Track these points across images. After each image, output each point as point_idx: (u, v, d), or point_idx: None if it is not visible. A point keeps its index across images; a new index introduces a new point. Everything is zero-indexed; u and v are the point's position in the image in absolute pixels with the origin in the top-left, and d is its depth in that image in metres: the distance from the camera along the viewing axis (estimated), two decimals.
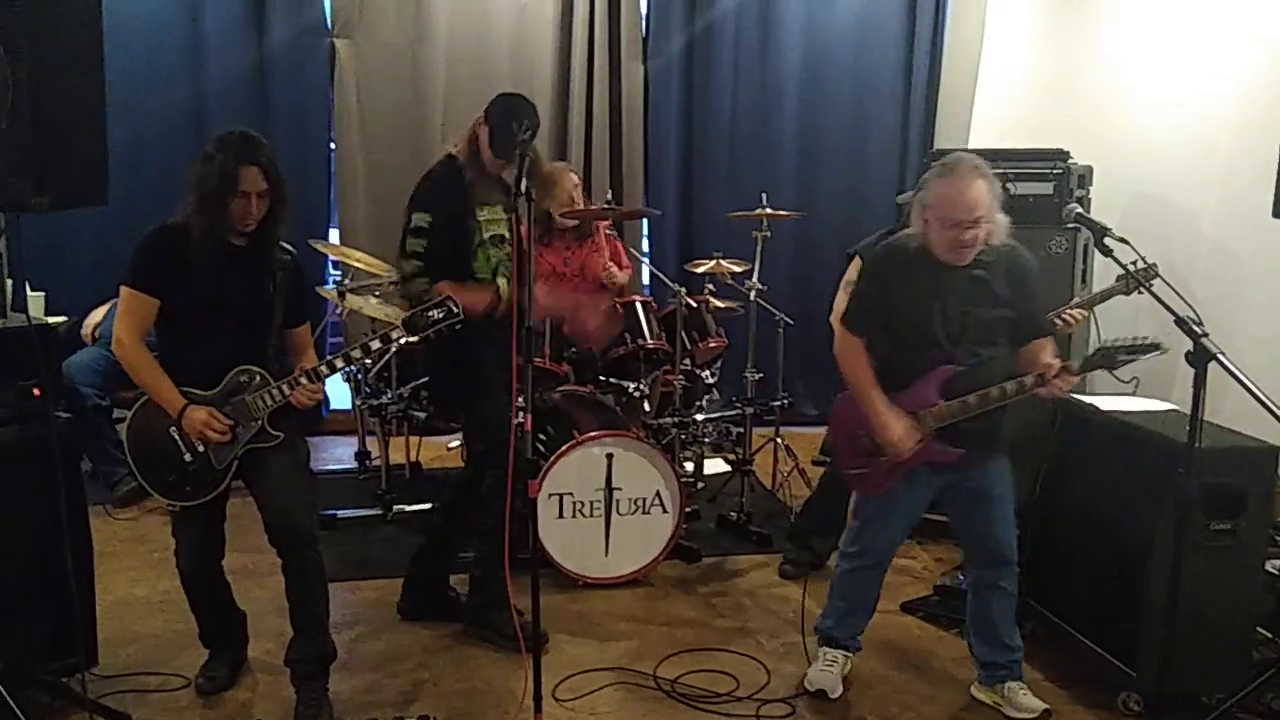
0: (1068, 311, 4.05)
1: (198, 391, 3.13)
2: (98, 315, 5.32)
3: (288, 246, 3.27)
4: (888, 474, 3.33)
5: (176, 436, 3.13)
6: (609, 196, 5.52)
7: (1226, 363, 2.70)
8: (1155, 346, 3.03)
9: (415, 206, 3.64)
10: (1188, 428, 2.79)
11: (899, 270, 3.25)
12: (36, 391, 3.15)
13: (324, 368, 3.18)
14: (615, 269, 5.18)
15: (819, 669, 3.54)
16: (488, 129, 3.64)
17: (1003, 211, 3.16)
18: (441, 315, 3.21)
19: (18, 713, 2.81)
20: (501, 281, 3.70)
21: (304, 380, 3.13)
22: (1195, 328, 2.76)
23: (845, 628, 3.57)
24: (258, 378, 3.15)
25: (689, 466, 5.48)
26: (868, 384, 3.27)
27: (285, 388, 3.13)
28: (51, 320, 3.38)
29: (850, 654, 3.60)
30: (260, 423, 3.15)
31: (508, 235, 3.74)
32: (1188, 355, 2.76)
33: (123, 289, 3.12)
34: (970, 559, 3.54)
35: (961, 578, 4.23)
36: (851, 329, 3.33)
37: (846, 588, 3.57)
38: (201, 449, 3.14)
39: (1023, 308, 3.21)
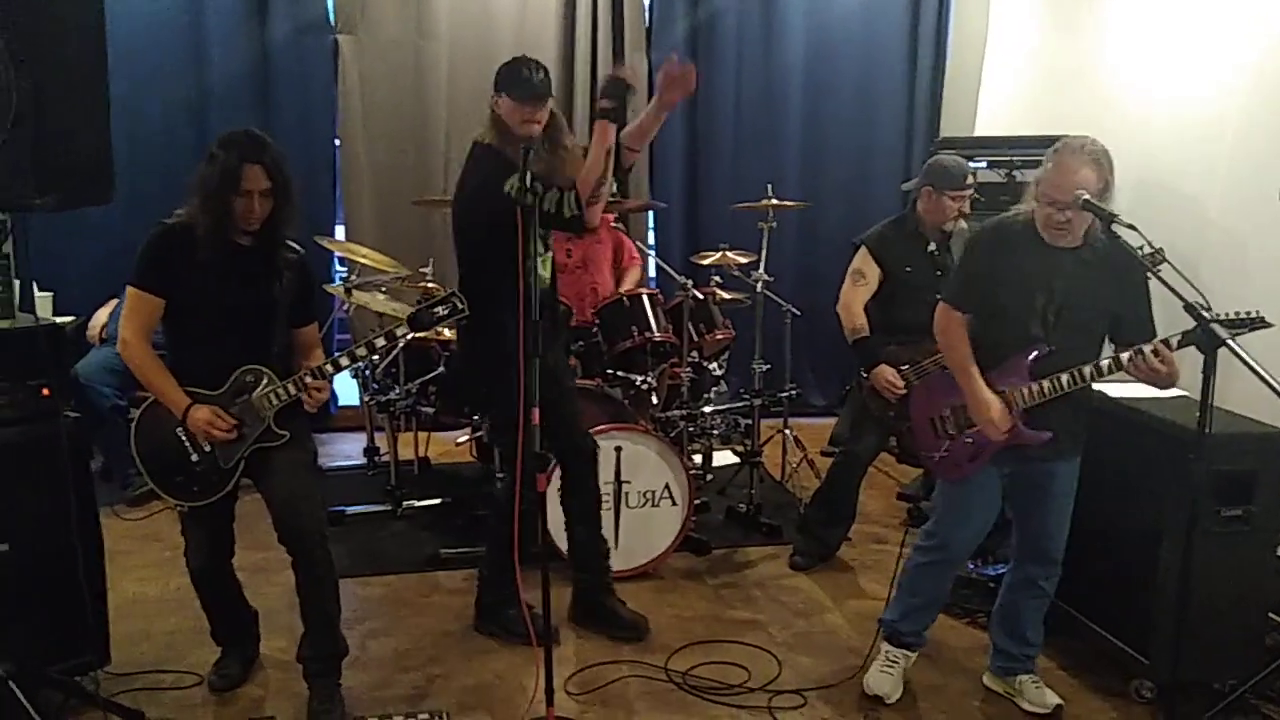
0: None
1: (204, 391, 3.13)
2: (102, 316, 5.32)
3: (294, 245, 3.27)
4: (971, 456, 3.28)
5: (183, 437, 3.14)
6: (614, 189, 5.50)
7: (1236, 348, 2.68)
8: (1261, 320, 2.91)
9: (472, 203, 3.55)
10: (1197, 414, 2.77)
11: (1004, 248, 3.19)
12: (45, 391, 3.16)
13: (329, 366, 3.17)
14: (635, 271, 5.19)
15: (879, 669, 3.49)
16: (503, 95, 3.53)
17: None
18: (446, 312, 3.20)
19: (31, 711, 2.82)
20: (540, 264, 3.61)
21: (309, 379, 3.13)
22: (1204, 313, 2.75)
23: (911, 623, 3.51)
24: (264, 377, 3.15)
25: (697, 459, 5.48)
26: (969, 361, 3.21)
27: (291, 387, 3.13)
28: (59, 320, 3.38)
29: (912, 654, 3.54)
30: (266, 422, 3.16)
31: (551, 210, 3.57)
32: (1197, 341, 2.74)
33: (128, 289, 3.13)
34: (1018, 552, 3.47)
35: (971, 566, 4.24)
36: (956, 305, 3.27)
37: (918, 582, 3.49)
38: (208, 449, 3.14)
39: (1130, 307, 3.14)
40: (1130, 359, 2.98)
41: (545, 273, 3.69)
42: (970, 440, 3.27)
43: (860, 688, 3.50)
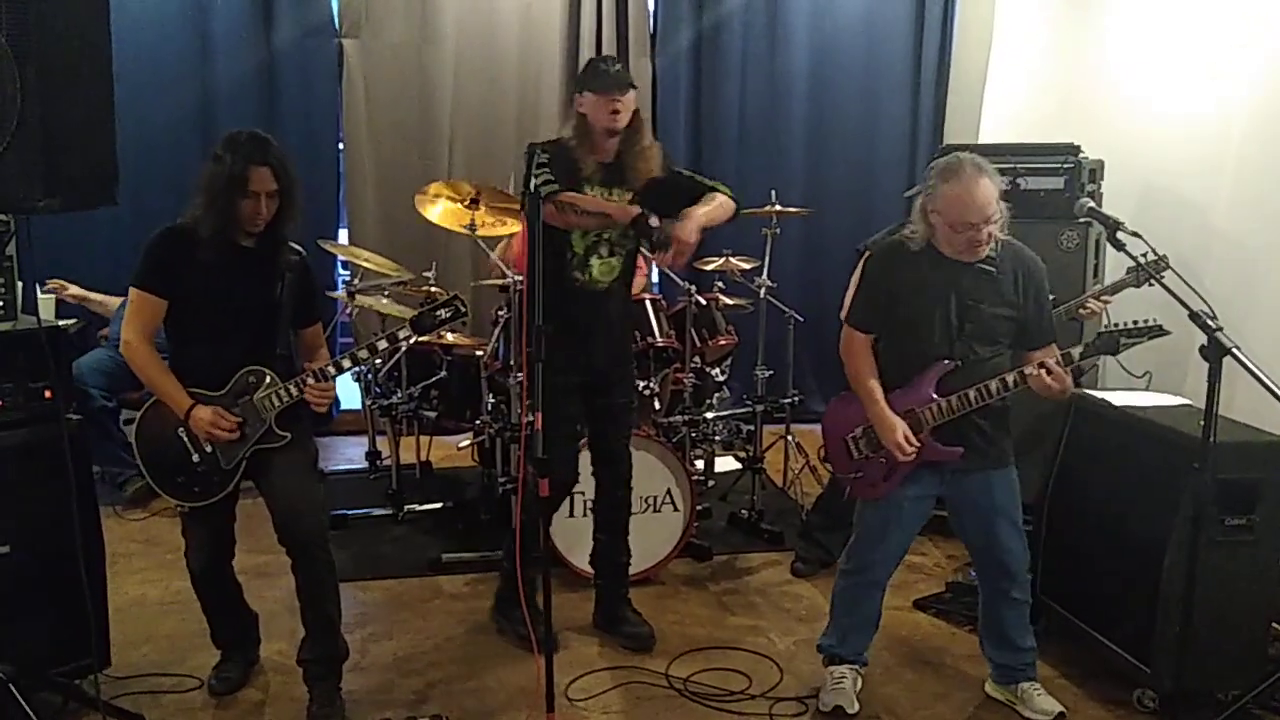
0: (1093, 300, 4.03)
1: (206, 392, 3.12)
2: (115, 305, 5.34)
3: (296, 247, 3.27)
4: (885, 475, 3.27)
5: (184, 437, 3.14)
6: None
7: (1241, 357, 2.68)
8: (1158, 329, 2.99)
9: (532, 158, 3.44)
10: (1202, 422, 2.77)
11: (901, 266, 3.20)
12: (48, 393, 3.16)
13: (331, 368, 3.17)
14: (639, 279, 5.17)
15: (830, 688, 3.43)
16: (585, 93, 3.50)
17: (1003, 203, 3.09)
18: (449, 315, 3.20)
19: (31, 715, 2.82)
20: (595, 263, 3.61)
21: (310, 380, 3.13)
22: (1210, 322, 2.75)
23: (849, 646, 3.48)
24: (266, 378, 3.15)
25: (700, 464, 5.46)
26: (867, 384, 3.24)
27: (293, 388, 3.13)
28: (62, 322, 3.38)
29: (858, 669, 3.50)
30: (268, 423, 3.15)
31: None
32: (1202, 349, 2.73)
33: (131, 290, 3.13)
34: (978, 571, 3.50)
35: (974, 574, 4.22)
36: (856, 325, 3.31)
37: (846, 604, 3.49)
38: (209, 449, 3.14)
39: (1031, 311, 3.17)
40: (1032, 373, 3.03)
41: (602, 276, 3.64)
42: (883, 459, 3.25)
43: (862, 696, 3.48)
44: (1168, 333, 2.99)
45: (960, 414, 3.13)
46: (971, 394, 3.10)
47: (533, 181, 3.21)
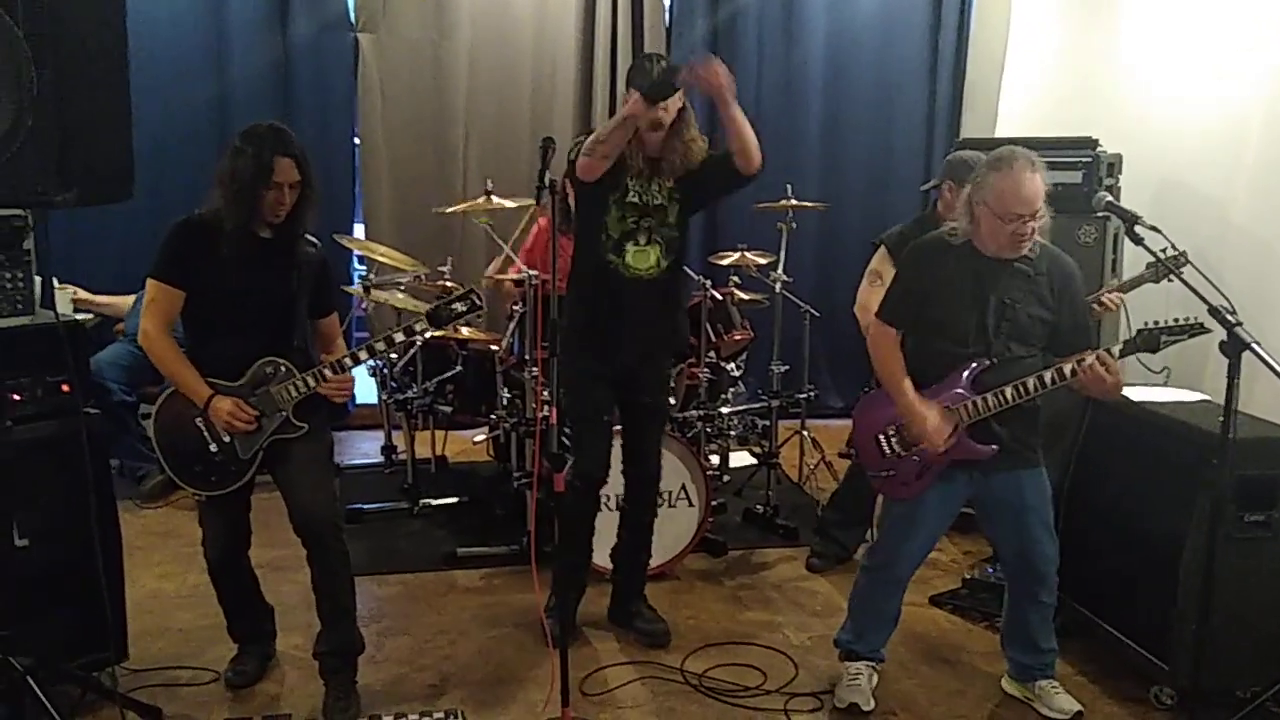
0: (1106, 295, 4.01)
1: (223, 383, 3.14)
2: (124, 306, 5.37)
3: (312, 238, 3.28)
4: (918, 474, 3.24)
5: (202, 427, 3.15)
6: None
7: (1261, 352, 2.66)
8: (1200, 327, 2.95)
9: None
10: (1220, 418, 2.75)
11: (941, 263, 3.18)
12: (66, 387, 3.18)
13: (348, 360, 3.18)
14: None
15: (845, 684, 3.42)
16: (631, 90, 3.54)
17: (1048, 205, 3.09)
18: (465, 308, 3.21)
19: (49, 706, 2.83)
20: (630, 249, 3.61)
21: (328, 372, 3.14)
22: (1229, 317, 2.73)
23: (866, 643, 3.46)
24: (283, 369, 3.16)
25: (715, 460, 5.47)
26: (901, 376, 3.20)
27: (310, 379, 3.14)
28: (80, 316, 3.40)
29: (875, 665, 3.49)
30: (285, 414, 3.17)
31: (658, 203, 3.63)
32: (1221, 345, 2.72)
33: (149, 281, 3.14)
34: (1005, 570, 3.47)
35: (990, 570, 4.22)
36: (887, 321, 3.27)
37: (866, 601, 3.48)
38: (227, 439, 3.15)
39: (1068, 316, 3.15)
40: (1073, 370, 3.00)
41: (637, 264, 3.63)
42: (916, 458, 3.23)
43: (877, 691, 3.47)
44: (1208, 331, 2.94)
45: (996, 411, 3.10)
46: (1009, 391, 3.07)
47: (547, 175, 3.21)
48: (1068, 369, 3.01)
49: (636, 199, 3.59)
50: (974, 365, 3.14)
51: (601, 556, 4.10)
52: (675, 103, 3.52)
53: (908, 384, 3.19)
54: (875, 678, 3.48)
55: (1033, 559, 3.28)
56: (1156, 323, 2.98)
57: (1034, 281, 3.12)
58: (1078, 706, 3.34)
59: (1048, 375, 3.04)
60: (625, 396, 3.77)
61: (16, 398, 3.07)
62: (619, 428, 3.86)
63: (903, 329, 3.26)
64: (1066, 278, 3.15)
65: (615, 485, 4.01)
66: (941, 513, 3.32)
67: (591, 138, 3.48)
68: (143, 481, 5.14)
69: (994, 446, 3.15)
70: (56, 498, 3.13)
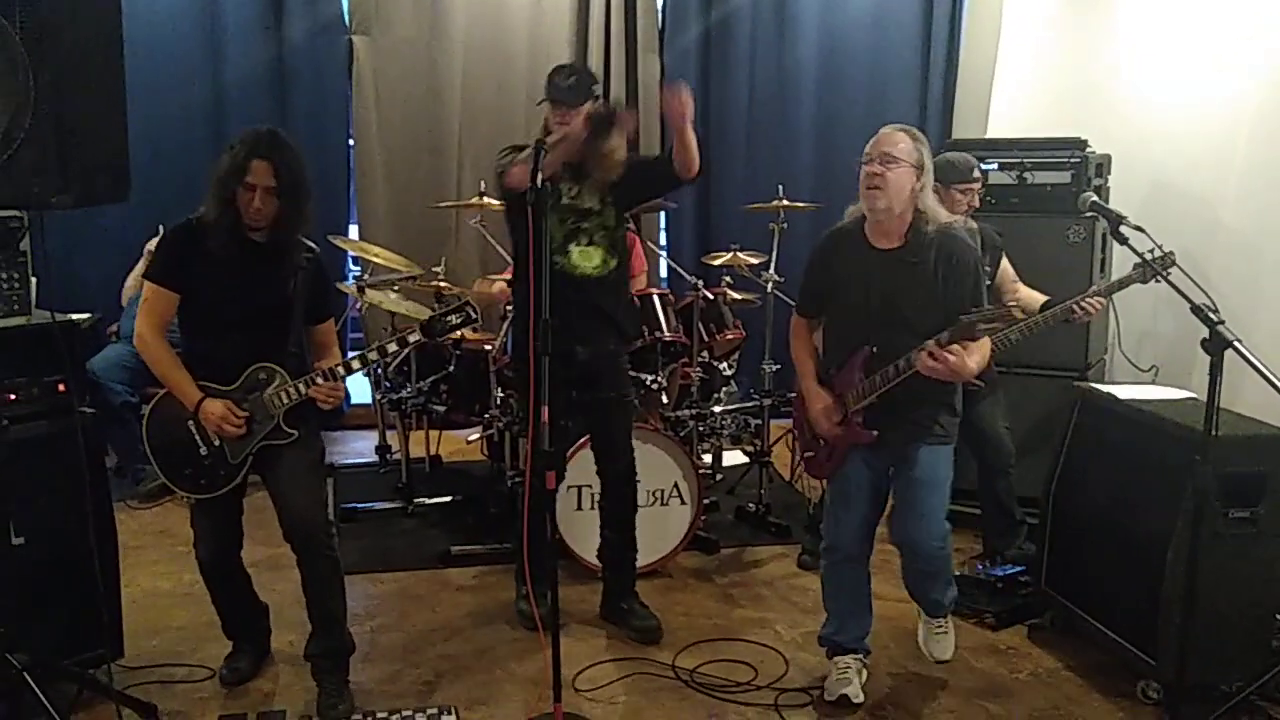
0: (1085, 300, 4.04)
1: (216, 386, 3.16)
2: (130, 282, 5.41)
3: (310, 244, 3.30)
4: (828, 455, 3.42)
5: (193, 430, 3.18)
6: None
7: (1243, 350, 2.69)
8: (1006, 311, 3.09)
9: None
10: (1205, 416, 2.78)
11: (837, 252, 3.35)
12: (62, 387, 3.20)
13: (340, 369, 3.21)
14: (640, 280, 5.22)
15: (835, 679, 3.44)
16: (545, 101, 3.68)
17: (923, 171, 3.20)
18: (459, 320, 3.25)
19: (46, 703, 2.85)
20: (573, 249, 3.70)
21: (319, 380, 3.16)
22: (1211, 315, 2.76)
23: (847, 633, 3.50)
24: (276, 375, 3.19)
25: (707, 458, 5.50)
26: (802, 362, 3.44)
27: (302, 386, 3.16)
28: (75, 316, 3.41)
29: (862, 658, 3.52)
30: (276, 419, 3.19)
31: (588, 206, 3.72)
32: (1204, 343, 2.75)
33: (145, 283, 3.19)
34: (895, 537, 3.56)
35: (980, 567, 4.25)
36: (798, 310, 3.49)
37: (833, 588, 3.53)
38: (217, 443, 3.18)
39: (951, 298, 3.16)
40: (914, 356, 3.08)
41: (582, 262, 3.73)
42: (823, 441, 3.40)
43: (867, 687, 3.51)
44: (1022, 319, 3.10)
45: (878, 393, 3.20)
46: (877, 378, 3.19)
47: (539, 177, 3.24)
48: (904, 361, 3.11)
49: (569, 202, 3.70)
50: (863, 351, 3.24)
51: (589, 554, 4.14)
52: (581, 114, 3.53)
53: (807, 370, 3.41)
54: (865, 672, 3.52)
55: (913, 532, 3.35)
56: (974, 311, 3.03)
57: (917, 268, 3.18)
58: (945, 656, 3.59)
59: (901, 363, 3.12)
60: (584, 394, 3.82)
61: (12, 397, 3.10)
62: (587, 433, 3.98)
63: (810, 316, 3.47)
64: (953, 261, 3.18)
65: (594, 483, 4.08)
66: (867, 488, 3.38)
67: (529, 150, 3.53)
68: (141, 482, 5.15)
69: (874, 433, 3.26)
70: (52, 496, 3.15)
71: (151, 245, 5.14)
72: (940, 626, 3.62)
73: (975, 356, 3.08)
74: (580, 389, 3.80)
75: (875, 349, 3.22)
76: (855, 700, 3.40)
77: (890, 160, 3.15)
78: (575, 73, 3.67)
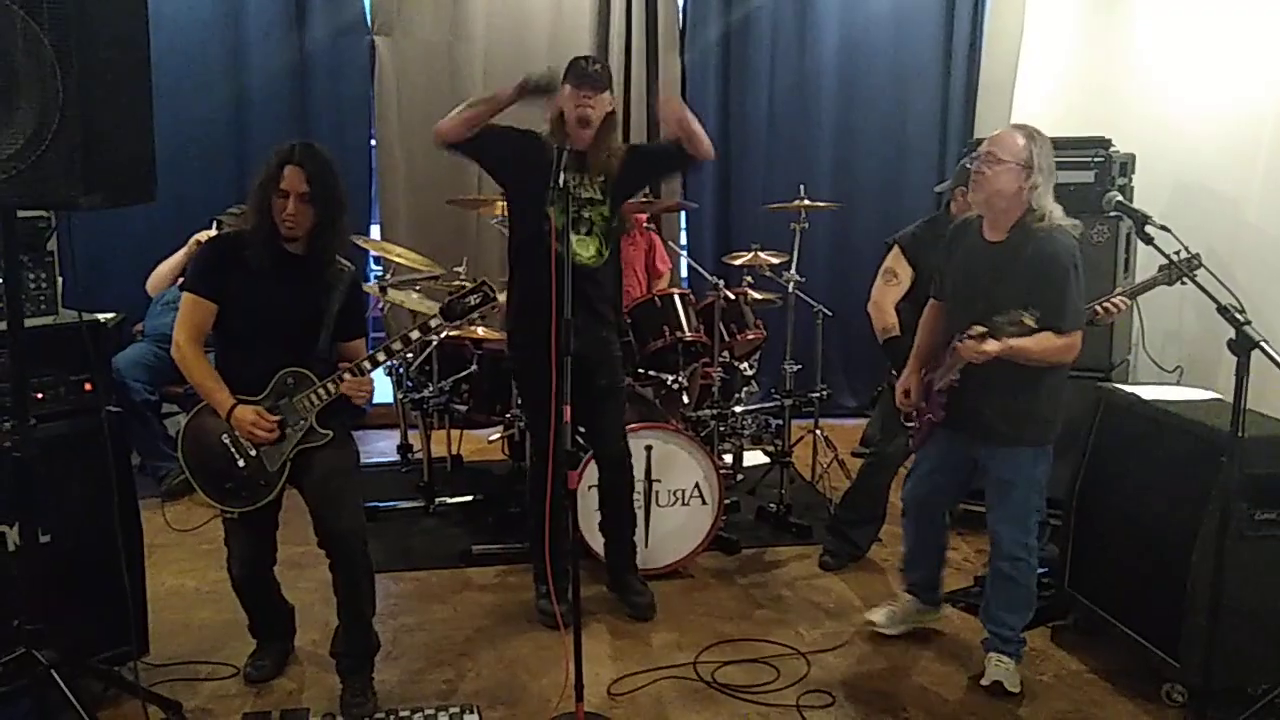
0: (1110, 300, 4.01)
1: (247, 397, 3.19)
2: (164, 270, 5.40)
3: (345, 262, 3.33)
4: (919, 428, 3.69)
5: (229, 444, 3.20)
6: (646, 190, 5.53)
7: (1270, 350, 2.67)
8: (1020, 323, 3.13)
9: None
10: (1231, 417, 2.76)
11: (957, 240, 3.52)
12: (88, 386, 3.23)
13: (366, 363, 3.23)
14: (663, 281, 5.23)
15: (884, 607, 3.89)
16: (565, 84, 3.71)
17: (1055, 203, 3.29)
18: (479, 300, 3.25)
19: (73, 700, 2.87)
20: (572, 238, 3.69)
21: (347, 376, 3.18)
22: (1238, 315, 2.74)
23: (910, 570, 3.91)
24: (304, 378, 3.21)
25: (728, 458, 5.49)
26: (916, 343, 3.71)
27: (331, 385, 3.18)
28: (101, 316, 3.44)
29: (920, 602, 3.88)
30: (309, 422, 3.21)
31: (588, 195, 3.81)
32: (1230, 343, 2.73)
33: (183, 294, 3.24)
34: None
35: None
36: (930, 294, 3.71)
37: (905, 534, 3.90)
38: (254, 453, 3.20)
39: (1036, 296, 3.20)
40: (955, 344, 3.29)
41: (581, 251, 3.80)
42: (918, 414, 3.71)
43: (889, 688, 3.53)
44: (1033, 327, 3.16)
45: (949, 375, 3.40)
46: (948, 358, 3.39)
47: (562, 176, 3.25)
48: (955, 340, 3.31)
49: (571, 192, 3.71)
50: (957, 337, 3.34)
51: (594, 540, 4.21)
52: (603, 101, 3.71)
53: (917, 349, 3.70)
54: (917, 615, 3.90)
55: (998, 532, 3.50)
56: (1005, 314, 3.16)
57: (1014, 264, 3.29)
58: (1007, 685, 3.50)
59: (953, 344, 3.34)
60: (580, 380, 3.80)
61: (40, 396, 3.12)
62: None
63: (940, 300, 3.66)
64: (1041, 262, 3.25)
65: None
66: (944, 452, 3.62)
67: (465, 102, 3.72)
68: (164, 480, 5.19)
69: (943, 411, 3.48)
70: (79, 495, 3.17)
71: (201, 236, 5.20)
72: (1004, 663, 3.53)
73: (1012, 343, 3.17)
74: (575, 375, 3.80)
75: (961, 335, 3.29)
76: (876, 623, 3.85)
77: (993, 160, 3.26)
78: (599, 61, 3.80)
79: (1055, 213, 3.28)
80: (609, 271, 3.97)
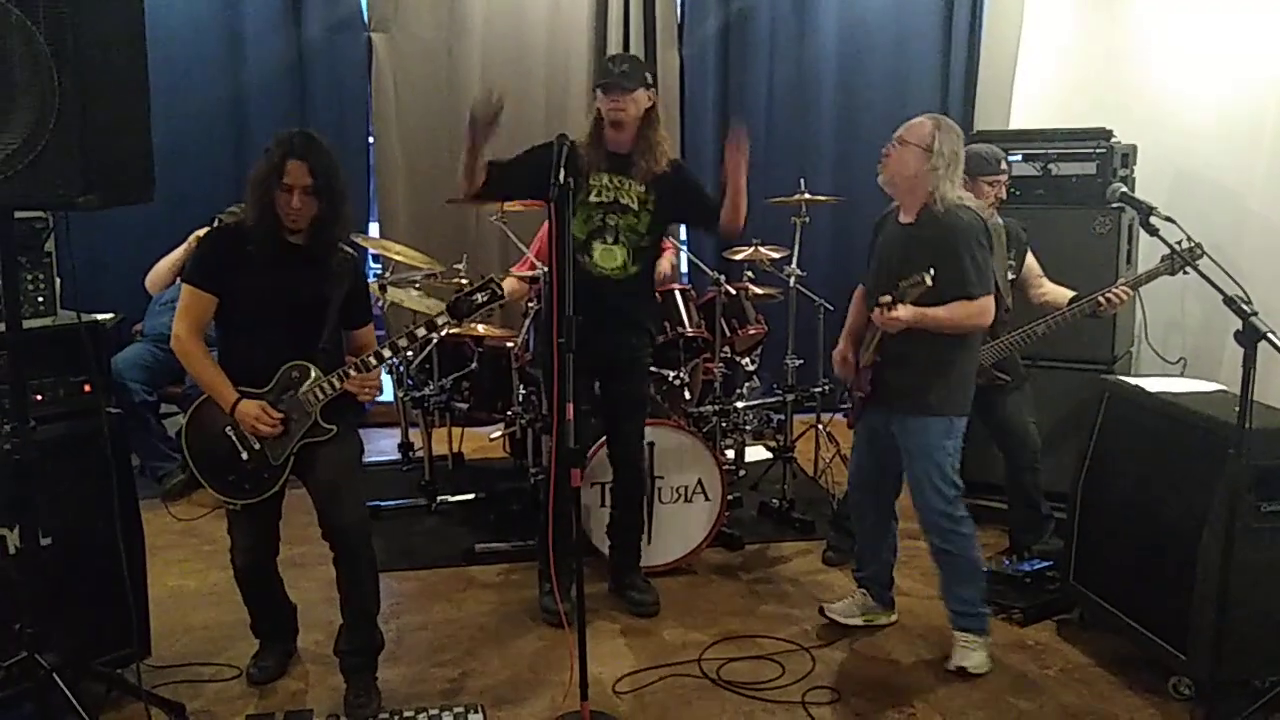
0: (1112, 290, 4.01)
1: (251, 389, 3.17)
2: (163, 266, 5.35)
3: (348, 249, 3.32)
4: (853, 406, 3.82)
5: (233, 436, 3.19)
6: None
7: (1277, 341, 2.66)
8: (920, 283, 3.24)
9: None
10: (1237, 408, 2.75)
11: (880, 226, 3.73)
12: (87, 387, 3.21)
13: (372, 358, 3.21)
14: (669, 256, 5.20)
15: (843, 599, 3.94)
16: (597, 89, 3.73)
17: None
18: (486, 298, 3.23)
19: (75, 703, 2.86)
20: (597, 248, 3.76)
21: (353, 371, 3.17)
22: (1244, 306, 2.72)
23: (862, 565, 3.95)
24: (310, 372, 3.19)
25: (730, 454, 5.48)
26: (847, 322, 3.86)
27: (336, 380, 3.17)
28: (100, 316, 3.43)
29: (872, 598, 3.90)
30: (314, 416, 3.19)
31: (624, 203, 3.76)
32: (1236, 334, 2.72)
33: (183, 286, 3.22)
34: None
35: (1007, 562, 4.23)
36: (862, 281, 3.83)
37: (854, 522, 4.00)
38: (257, 446, 3.18)
39: (940, 269, 3.29)
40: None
41: (604, 263, 3.78)
42: (851, 392, 3.84)
43: (894, 684, 3.52)
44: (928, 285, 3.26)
45: (871, 349, 3.55)
46: (868, 335, 3.56)
47: (561, 173, 3.23)
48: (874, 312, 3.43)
49: (601, 198, 3.73)
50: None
51: (599, 539, 4.20)
52: (635, 100, 3.65)
53: (848, 326, 3.86)
54: (871, 610, 3.92)
55: (913, 499, 3.57)
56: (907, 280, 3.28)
57: (917, 241, 3.45)
58: (971, 667, 3.56)
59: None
60: (604, 385, 3.92)
61: (39, 398, 3.10)
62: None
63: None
64: (944, 236, 3.39)
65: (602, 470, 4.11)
66: (874, 428, 3.70)
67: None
68: (163, 480, 5.18)
69: (869, 385, 3.62)
70: (79, 497, 3.16)
71: (201, 233, 5.15)
72: (969, 640, 3.60)
73: (925, 311, 3.32)
74: (600, 379, 3.88)
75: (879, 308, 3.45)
76: (831, 613, 3.86)
77: (899, 142, 3.50)
78: (628, 60, 3.75)
79: (951, 195, 3.43)
80: (639, 287, 3.89)
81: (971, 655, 3.57)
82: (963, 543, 3.52)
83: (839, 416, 5.36)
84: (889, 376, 3.54)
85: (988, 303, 3.40)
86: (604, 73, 3.70)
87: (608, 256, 3.76)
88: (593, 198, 3.72)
